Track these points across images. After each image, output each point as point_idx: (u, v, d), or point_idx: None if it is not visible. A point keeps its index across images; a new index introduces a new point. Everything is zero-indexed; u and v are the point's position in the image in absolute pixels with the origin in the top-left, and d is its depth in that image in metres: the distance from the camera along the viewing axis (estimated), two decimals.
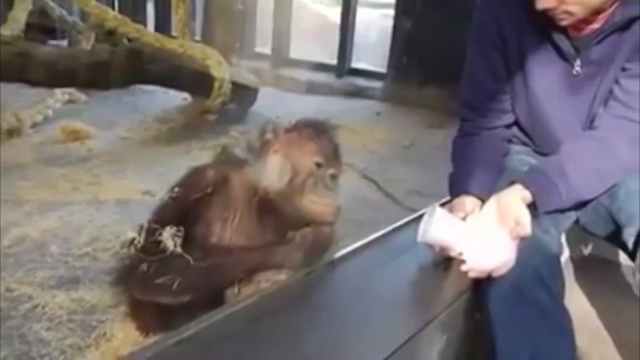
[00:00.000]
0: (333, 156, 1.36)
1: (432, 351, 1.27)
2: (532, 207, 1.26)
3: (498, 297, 1.26)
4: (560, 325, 1.25)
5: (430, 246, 1.36)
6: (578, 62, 1.35)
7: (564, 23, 1.28)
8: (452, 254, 1.31)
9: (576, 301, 1.70)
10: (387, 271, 1.38)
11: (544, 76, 1.39)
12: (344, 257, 1.39)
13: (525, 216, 1.23)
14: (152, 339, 1.22)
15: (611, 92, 1.33)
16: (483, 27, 1.45)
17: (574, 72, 1.36)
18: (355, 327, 1.15)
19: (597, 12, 1.27)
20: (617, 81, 1.32)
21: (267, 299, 1.18)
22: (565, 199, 1.28)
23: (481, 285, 1.30)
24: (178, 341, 1.03)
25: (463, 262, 1.28)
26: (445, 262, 1.37)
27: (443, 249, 1.33)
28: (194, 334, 1.05)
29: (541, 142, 1.49)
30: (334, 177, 1.35)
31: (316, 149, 1.34)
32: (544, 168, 1.32)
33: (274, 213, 1.31)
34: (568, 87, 1.37)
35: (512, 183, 1.29)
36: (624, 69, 1.30)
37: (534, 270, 1.25)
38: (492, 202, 1.29)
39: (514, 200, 1.25)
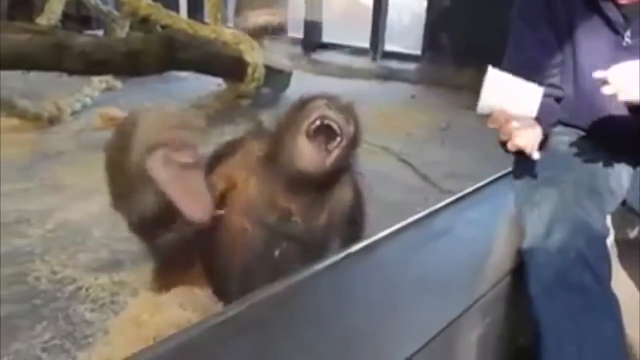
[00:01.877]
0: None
1: (472, 335, 1.25)
2: None
3: (539, 284, 1.22)
4: (607, 309, 1.21)
5: (493, 119, 1.23)
6: (628, 33, 1.28)
7: None
8: (521, 113, 1.20)
9: (622, 285, 1.64)
10: (425, 254, 1.36)
11: (593, 48, 1.33)
12: (382, 240, 1.37)
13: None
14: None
15: None
16: (530, 0, 1.39)
17: (624, 44, 1.29)
18: (394, 311, 1.13)
19: None
20: None
21: (303, 282, 1.18)
22: None
23: (523, 269, 1.27)
24: (213, 325, 1.02)
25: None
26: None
27: (508, 115, 1.21)
28: (228, 318, 1.04)
29: (587, 119, 1.43)
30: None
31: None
32: None
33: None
34: (617, 59, 1.31)
35: None
36: None
37: (578, 253, 1.20)
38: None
39: None
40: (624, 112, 1.32)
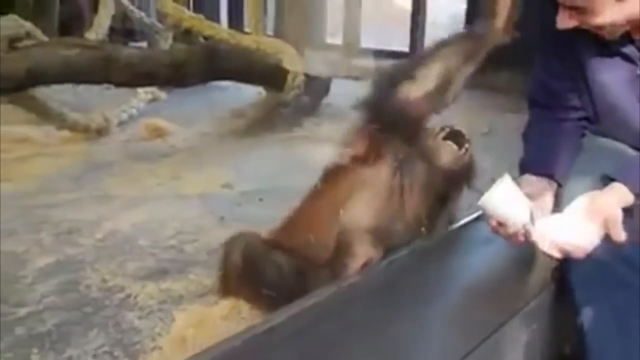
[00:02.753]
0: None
1: (519, 342, 1.24)
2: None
3: (580, 280, 1.21)
4: None
5: (488, 216, 1.27)
6: None
7: (609, 37, 1.23)
8: (510, 228, 1.21)
9: None
10: (470, 261, 1.35)
11: (609, 80, 1.32)
12: (425, 247, 1.37)
13: (619, 219, 1.12)
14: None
15: None
16: (547, 37, 1.40)
17: (638, 72, 1.27)
18: (439, 319, 1.13)
19: None
20: None
21: (349, 289, 1.19)
22: None
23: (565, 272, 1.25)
24: (266, 330, 1.03)
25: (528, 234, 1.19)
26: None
27: (500, 223, 1.23)
28: (270, 328, 1.05)
29: (625, 140, 1.40)
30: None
31: None
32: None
33: None
34: (634, 88, 1.29)
35: (607, 179, 1.19)
36: None
37: (616, 249, 1.16)
38: (584, 198, 1.18)
39: (611, 201, 1.14)
40: None
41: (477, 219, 1.48)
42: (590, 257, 1.16)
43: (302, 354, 0.99)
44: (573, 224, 1.16)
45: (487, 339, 1.07)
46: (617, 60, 1.29)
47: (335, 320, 1.10)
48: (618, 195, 1.15)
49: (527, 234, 1.19)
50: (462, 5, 4.33)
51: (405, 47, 4.65)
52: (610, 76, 1.32)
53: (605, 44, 1.28)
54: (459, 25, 4.31)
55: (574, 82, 1.39)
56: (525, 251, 1.34)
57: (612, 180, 1.18)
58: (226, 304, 1.38)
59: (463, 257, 1.36)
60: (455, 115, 3.59)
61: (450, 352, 1.03)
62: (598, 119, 1.39)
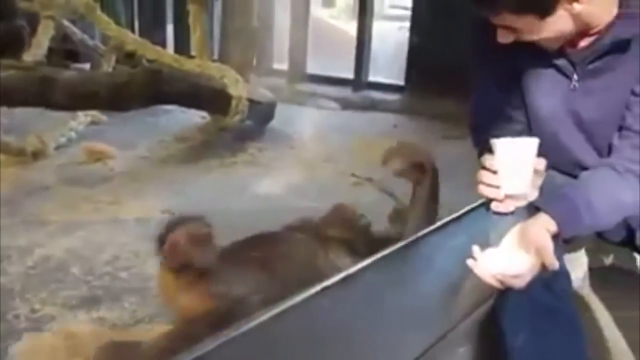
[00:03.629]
0: None
1: None
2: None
3: (504, 307, 1.25)
4: (570, 326, 1.24)
5: (487, 159, 1.28)
6: (575, 77, 1.30)
7: (549, 48, 1.27)
8: (506, 188, 1.25)
9: (597, 313, 1.67)
10: (402, 283, 1.37)
11: (543, 92, 1.36)
12: (357, 272, 1.39)
13: (549, 249, 1.16)
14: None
15: (624, 119, 1.26)
16: (482, 56, 1.43)
17: (571, 87, 1.31)
18: (372, 339, 1.15)
19: (581, 32, 1.24)
20: (628, 107, 1.25)
21: (281, 314, 1.19)
22: (587, 229, 1.26)
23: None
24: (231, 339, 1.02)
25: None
26: None
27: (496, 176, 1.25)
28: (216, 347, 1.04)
29: (554, 162, 1.46)
30: None
31: None
32: (570, 196, 1.25)
33: None
34: (567, 102, 1.33)
35: (536, 209, 1.24)
36: (634, 93, 1.24)
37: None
38: (516, 229, 1.22)
39: (540, 231, 1.18)
40: (587, 158, 1.36)
41: (408, 244, 1.51)
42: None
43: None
44: (509, 255, 1.19)
45: None
46: (552, 73, 1.32)
47: (264, 347, 1.10)
48: (545, 224, 1.18)
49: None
50: (406, 34, 4.47)
51: (350, 74, 4.75)
52: (543, 88, 1.35)
53: (542, 56, 1.31)
54: (403, 54, 4.45)
55: (513, 95, 1.41)
56: (453, 275, 1.39)
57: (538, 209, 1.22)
58: None
59: (393, 281, 1.38)
60: (397, 141, 3.70)
61: None
62: (531, 132, 1.41)
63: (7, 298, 1.75)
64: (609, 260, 1.82)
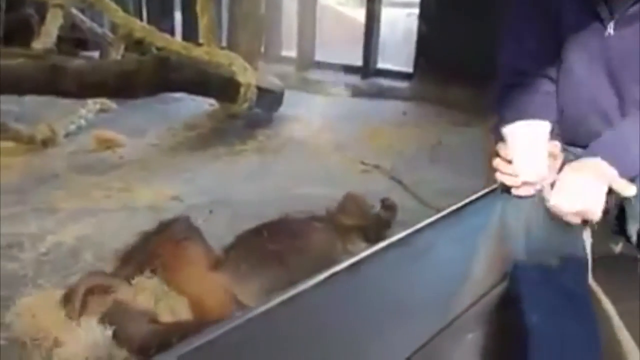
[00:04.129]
0: None
1: (455, 350, 1.27)
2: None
3: (523, 284, 1.25)
4: (585, 312, 1.24)
5: (501, 147, 1.25)
6: (611, 24, 1.28)
7: None
8: (525, 175, 1.23)
9: (603, 301, 1.66)
10: (408, 272, 1.38)
11: (578, 42, 1.33)
12: (367, 258, 1.39)
13: (600, 201, 1.17)
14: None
15: None
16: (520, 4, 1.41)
17: (606, 34, 1.29)
18: (374, 328, 1.15)
19: None
20: None
21: (284, 302, 1.19)
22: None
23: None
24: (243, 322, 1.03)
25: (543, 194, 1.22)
26: None
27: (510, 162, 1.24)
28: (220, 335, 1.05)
29: (571, 122, 1.42)
30: None
31: None
32: (610, 135, 1.24)
33: None
34: (599, 50, 1.31)
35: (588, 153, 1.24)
36: None
37: (556, 254, 1.23)
38: (574, 164, 1.22)
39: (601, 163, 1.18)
40: (609, 114, 1.34)
41: (414, 232, 1.52)
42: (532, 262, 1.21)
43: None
44: (579, 185, 1.18)
45: (420, 349, 1.09)
46: (588, 19, 1.30)
47: (268, 336, 1.11)
48: (596, 168, 1.19)
49: (542, 193, 1.21)
50: (415, 20, 4.44)
51: (358, 61, 4.73)
52: (579, 37, 1.32)
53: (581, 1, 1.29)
54: (412, 41, 4.42)
55: (548, 47, 1.38)
56: (460, 263, 1.39)
57: None
58: None
59: (399, 270, 1.38)
60: (405, 129, 3.71)
61: None
62: (558, 86, 1.39)
63: (19, 284, 1.77)
64: (618, 248, 1.82)
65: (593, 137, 1.32)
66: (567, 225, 1.26)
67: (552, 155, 1.25)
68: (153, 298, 1.50)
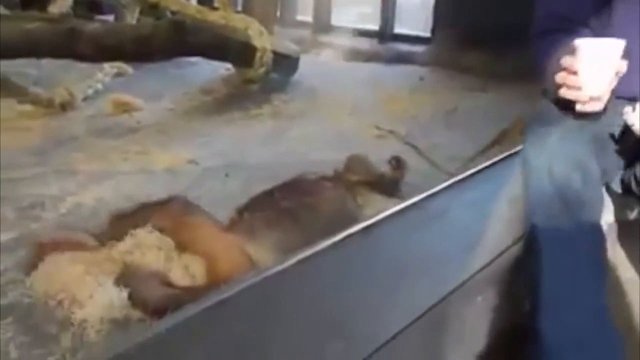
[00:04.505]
0: None
1: (466, 311, 1.29)
2: None
3: (540, 211, 1.30)
4: (598, 248, 1.29)
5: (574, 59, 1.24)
6: None
7: None
8: (594, 88, 1.24)
9: (621, 267, 1.67)
10: (422, 235, 1.40)
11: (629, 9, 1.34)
12: (380, 222, 1.41)
13: None
14: None
15: None
16: None
17: None
18: (389, 288, 1.18)
19: None
20: None
21: (304, 261, 1.22)
22: None
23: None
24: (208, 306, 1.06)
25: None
26: None
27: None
28: (225, 298, 1.08)
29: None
30: None
31: None
32: None
33: None
34: None
35: None
36: None
37: (575, 190, 1.26)
38: None
39: None
40: None
41: (427, 197, 1.53)
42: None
43: (252, 324, 1.03)
44: None
45: (431, 308, 1.12)
46: None
47: (288, 292, 1.14)
48: None
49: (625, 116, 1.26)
50: None
51: (375, 26, 4.67)
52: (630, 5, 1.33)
53: None
54: (429, 5, 4.35)
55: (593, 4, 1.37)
56: (471, 227, 1.41)
57: None
58: None
59: (413, 233, 1.40)
60: (421, 94, 3.68)
61: (394, 321, 1.08)
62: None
63: None
64: (633, 214, 1.82)
65: None
66: (587, 164, 1.28)
67: (617, 74, 1.25)
68: (163, 256, 1.52)
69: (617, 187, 1.54)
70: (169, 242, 1.55)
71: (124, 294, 1.39)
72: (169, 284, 1.44)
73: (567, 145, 1.28)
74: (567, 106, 1.29)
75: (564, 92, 1.26)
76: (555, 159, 1.27)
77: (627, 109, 1.30)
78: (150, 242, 1.55)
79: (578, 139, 1.30)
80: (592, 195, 1.28)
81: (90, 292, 1.39)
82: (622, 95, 1.40)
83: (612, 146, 1.45)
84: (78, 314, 1.36)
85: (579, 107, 1.26)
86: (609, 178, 1.48)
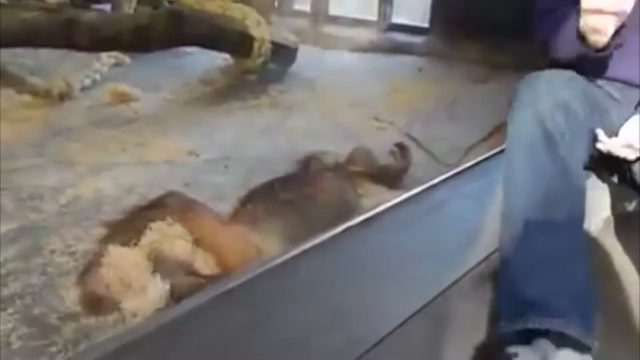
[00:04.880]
0: None
1: (466, 303, 1.30)
2: None
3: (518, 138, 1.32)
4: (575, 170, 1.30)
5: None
6: None
7: None
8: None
9: (619, 259, 1.68)
10: (421, 227, 1.41)
11: None
12: (380, 214, 1.42)
13: None
14: None
15: None
16: None
17: None
18: (388, 281, 1.19)
19: None
20: None
21: (304, 254, 1.23)
22: None
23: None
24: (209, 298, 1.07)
25: None
26: None
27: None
28: (225, 291, 1.09)
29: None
30: None
31: None
32: None
33: None
34: None
35: None
36: None
37: (559, 130, 1.28)
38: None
39: None
40: None
41: (427, 189, 1.54)
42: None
43: (251, 315, 1.04)
44: None
45: (431, 302, 1.13)
46: None
47: (287, 283, 1.14)
48: None
49: None
50: None
51: (373, 16, 4.65)
52: None
53: None
54: None
55: None
56: (470, 220, 1.41)
57: None
58: None
59: (412, 225, 1.41)
60: (422, 84, 3.67)
61: (393, 315, 1.09)
62: None
63: (42, 234, 1.82)
64: (631, 206, 1.83)
65: None
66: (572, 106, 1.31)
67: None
68: (190, 246, 1.53)
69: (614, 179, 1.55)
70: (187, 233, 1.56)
71: (167, 285, 1.41)
72: (195, 274, 1.45)
73: (554, 87, 1.34)
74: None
75: (584, 20, 1.30)
76: (541, 97, 1.32)
77: (599, 131, 1.38)
78: (173, 233, 1.56)
79: (566, 84, 1.36)
80: (574, 135, 1.29)
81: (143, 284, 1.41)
82: (617, 78, 1.49)
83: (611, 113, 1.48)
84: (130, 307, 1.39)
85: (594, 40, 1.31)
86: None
